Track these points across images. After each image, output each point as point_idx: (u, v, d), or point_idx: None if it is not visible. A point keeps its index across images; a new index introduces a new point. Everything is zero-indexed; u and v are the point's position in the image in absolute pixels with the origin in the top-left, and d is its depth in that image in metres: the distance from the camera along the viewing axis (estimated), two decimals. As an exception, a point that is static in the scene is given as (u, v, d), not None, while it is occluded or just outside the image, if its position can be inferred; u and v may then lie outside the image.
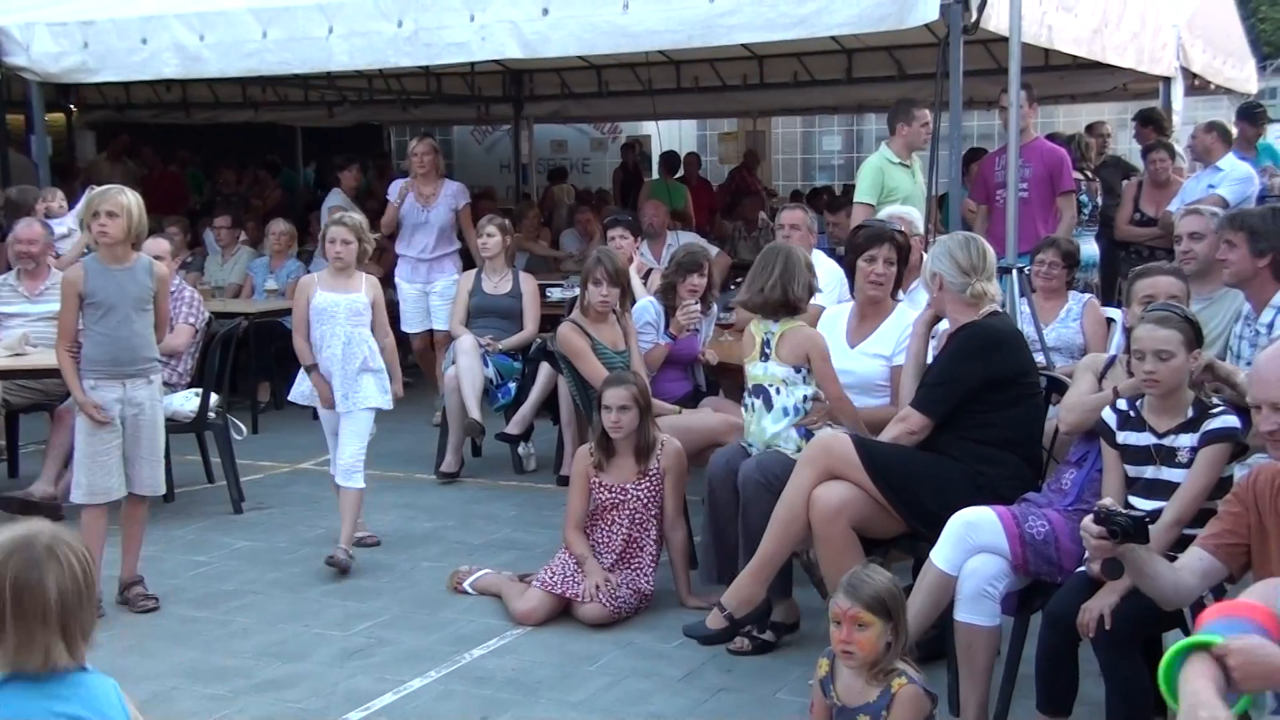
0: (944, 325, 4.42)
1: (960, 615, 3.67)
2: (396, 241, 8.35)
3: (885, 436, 4.22)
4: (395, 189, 8.39)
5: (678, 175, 13.05)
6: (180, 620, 4.86)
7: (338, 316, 5.45)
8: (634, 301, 6.16)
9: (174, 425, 5.96)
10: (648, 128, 16.73)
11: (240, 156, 14.47)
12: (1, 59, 8.34)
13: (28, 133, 10.81)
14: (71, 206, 7.97)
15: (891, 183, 6.91)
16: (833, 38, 8.50)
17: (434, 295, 8.28)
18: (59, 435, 6.31)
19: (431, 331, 8.35)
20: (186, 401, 6.42)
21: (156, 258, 5.30)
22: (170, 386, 6.18)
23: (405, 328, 8.18)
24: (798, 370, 4.54)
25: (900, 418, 4.21)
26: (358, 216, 5.68)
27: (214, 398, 6.41)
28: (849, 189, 13.63)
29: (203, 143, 14.90)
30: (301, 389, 5.70)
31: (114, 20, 8.25)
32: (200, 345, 6.67)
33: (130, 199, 4.85)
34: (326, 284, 5.52)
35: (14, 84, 8.95)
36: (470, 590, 5.10)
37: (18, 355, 6.20)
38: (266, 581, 5.24)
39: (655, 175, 16.41)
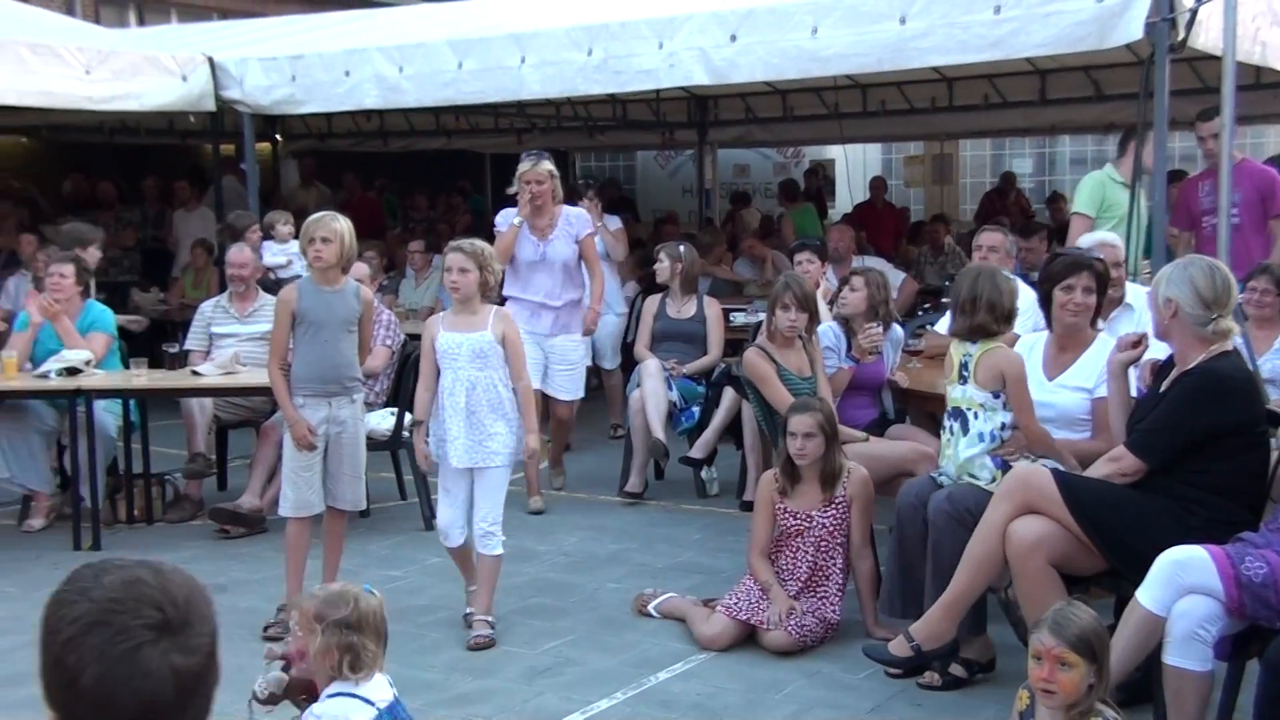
0: (1149, 354, 4.25)
1: (1170, 659, 3.51)
2: (507, 282, 6.74)
3: (1094, 474, 4.06)
4: (504, 219, 6.88)
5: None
6: (376, 632, 5.02)
7: (460, 359, 4.85)
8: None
9: (370, 443, 6.16)
10: (831, 151, 16.61)
11: (432, 182, 14.96)
12: (218, 92, 8.81)
13: (238, 161, 11.41)
14: (266, 235, 8.38)
15: (1112, 198, 6.68)
16: (1027, 58, 8.29)
17: (552, 355, 6.87)
18: (264, 450, 6.61)
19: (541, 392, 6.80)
20: (383, 420, 6.65)
21: (356, 280, 5.51)
22: (368, 405, 6.41)
23: None
24: (996, 395, 4.42)
25: (1112, 457, 4.04)
26: (480, 243, 5.04)
27: (407, 417, 6.61)
28: (1052, 211, 13.31)
29: (398, 169, 15.45)
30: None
31: (320, 54, 8.65)
32: (396, 366, 6.91)
33: (343, 225, 5.05)
34: (449, 323, 4.96)
35: (227, 115, 9.43)
36: (655, 613, 5.12)
37: (229, 374, 6.52)
38: (455, 598, 5.37)
39: (836, 200, 16.35)
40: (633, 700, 4.32)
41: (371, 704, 2.92)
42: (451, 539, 4.97)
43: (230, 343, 6.97)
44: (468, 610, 5.02)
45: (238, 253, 7.33)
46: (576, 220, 6.85)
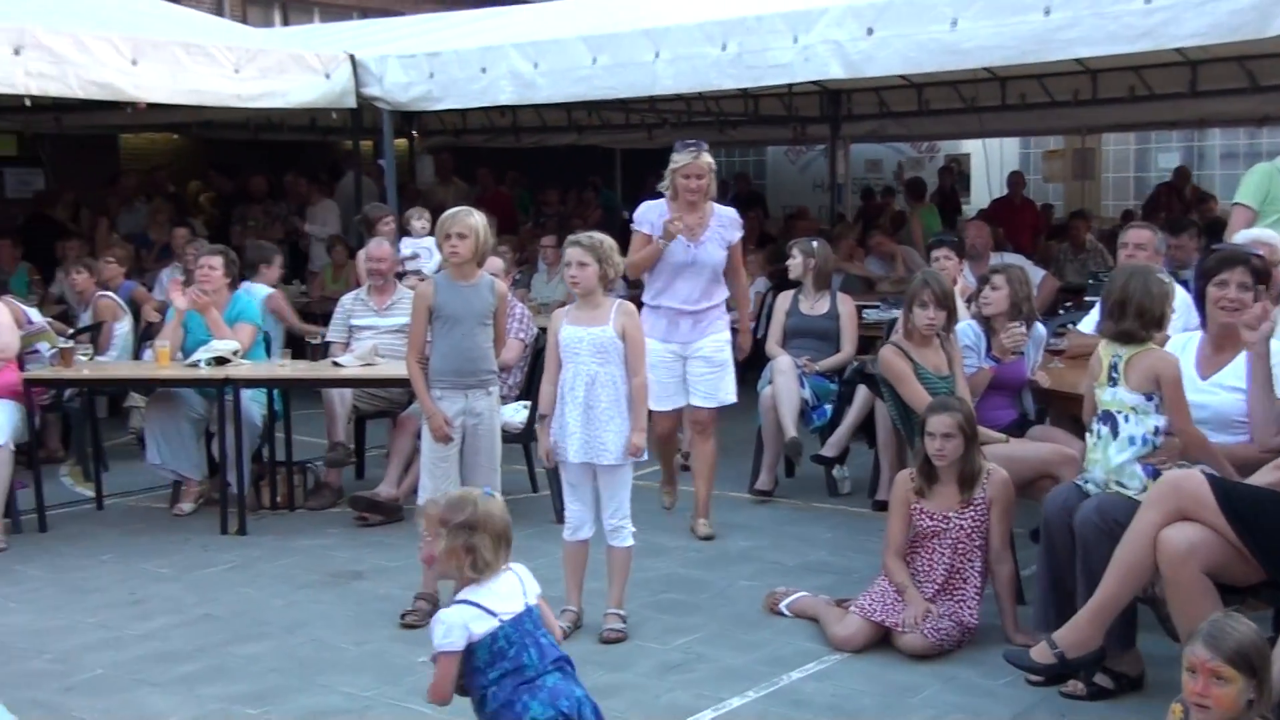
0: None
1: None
2: (646, 289, 6.26)
3: (1258, 482, 3.89)
4: (648, 215, 6.17)
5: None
6: (510, 623, 5.08)
7: (581, 353, 4.79)
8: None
9: (502, 435, 6.24)
10: (967, 146, 16.31)
11: (563, 178, 15.10)
12: (359, 89, 9.01)
13: (376, 158, 11.66)
14: (403, 231, 8.55)
15: (1278, 190, 6.36)
16: (1176, 49, 8.02)
17: (697, 360, 6.17)
18: (401, 441, 6.74)
19: (679, 411, 6.32)
20: (516, 413, 6.72)
21: (490, 274, 5.57)
22: (501, 399, 6.48)
23: (652, 404, 5.64)
24: (1149, 398, 4.26)
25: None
26: (599, 236, 4.91)
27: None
28: (1201, 211, 12.84)
29: (529, 165, 15.63)
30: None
31: (457, 51, 8.80)
32: (529, 360, 6.98)
33: (478, 221, 5.12)
34: (572, 316, 4.89)
35: (366, 112, 9.64)
36: (786, 612, 5.08)
37: (368, 365, 6.66)
38: (586, 590, 5.38)
39: (972, 195, 16.06)
40: (765, 699, 4.29)
41: (494, 615, 3.06)
42: (581, 533, 4.99)
43: (369, 335, 7.12)
44: (567, 608, 4.97)
45: (377, 247, 7.48)
46: (729, 222, 6.20)
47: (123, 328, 8.29)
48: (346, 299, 7.49)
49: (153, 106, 8.52)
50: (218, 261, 6.98)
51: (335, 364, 6.79)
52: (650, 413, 5.48)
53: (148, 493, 7.31)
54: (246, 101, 8.54)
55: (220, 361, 6.62)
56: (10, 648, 4.88)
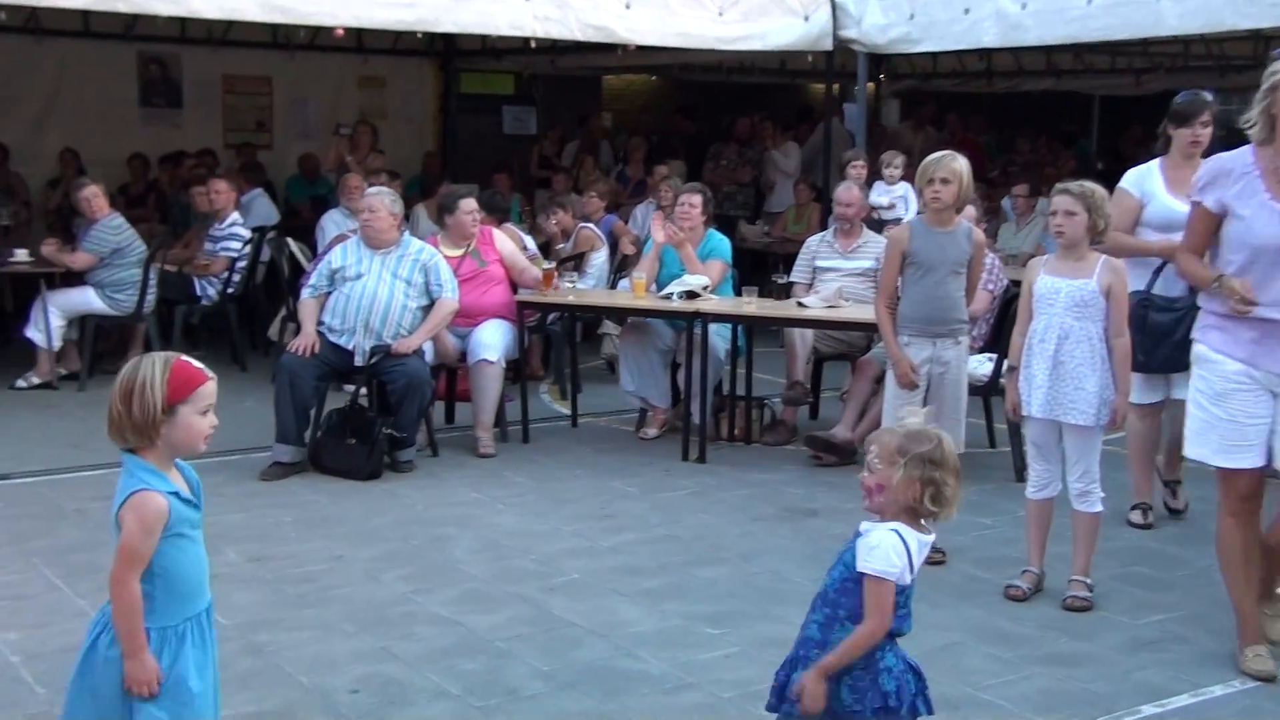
0: None
1: None
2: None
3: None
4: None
5: None
6: (965, 578, 4.97)
7: (1056, 305, 4.55)
8: None
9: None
10: None
11: (1034, 124, 14.42)
12: (836, 32, 9.01)
13: (840, 101, 11.65)
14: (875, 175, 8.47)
15: None
16: None
17: None
18: (859, 384, 6.75)
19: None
20: (980, 365, 6.53)
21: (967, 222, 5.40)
22: (966, 349, 6.32)
23: (1219, 458, 4.10)
24: None
25: None
26: (1090, 185, 4.58)
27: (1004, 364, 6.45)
28: None
29: (997, 110, 15.06)
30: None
31: (941, -9, 8.58)
32: (997, 311, 6.74)
33: (962, 166, 4.99)
34: (1051, 266, 4.65)
35: (837, 55, 9.63)
36: None
37: (832, 307, 6.70)
38: (1048, 554, 5.14)
39: None
40: (1252, 692, 3.94)
41: (908, 551, 2.80)
42: (1046, 491, 4.77)
43: (833, 277, 7.15)
44: (1028, 568, 4.79)
45: (845, 191, 7.48)
46: None
47: (599, 258, 8.80)
48: (813, 241, 7.56)
49: (640, 49, 8.94)
50: (697, 200, 7.23)
51: (800, 304, 6.88)
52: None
53: (616, 415, 7.76)
54: (727, 44, 8.78)
55: (691, 296, 6.88)
56: (501, 545, 5.35)
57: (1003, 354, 6.30)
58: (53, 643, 4.18)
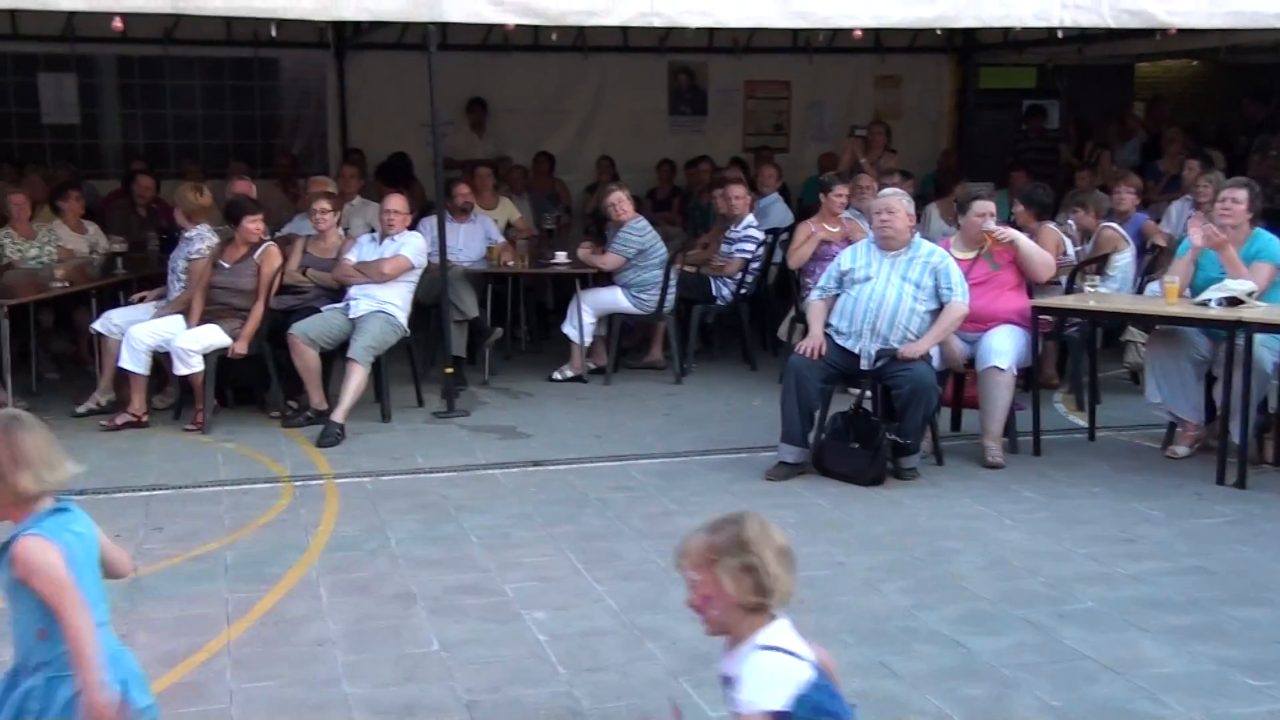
0: None
1: None
2: None
3: None
4: None
5: None
6: None
7: None
8: None
9: None
10: None
11: None
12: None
13: None
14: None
15: None
16: None
17: None
18: None
19: None
20: None
21: None
22: None
23: None
24: None
25: None
26: None
27: None
28: None
29: None
30: None
31: None
32: None
33: None
34: None
35: None
36: None
37: None
38: None
39: None
40: None
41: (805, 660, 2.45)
42: None
43: None
44: None
45: None
46: None
47: (1123, 259, 8.18)
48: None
49: (1182, 32, 8.19)
50: (1242, 195, 6.52)
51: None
52: None
53: (1140, 429, 7.18)
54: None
55: (1233, 302, 6.21)
56: (1007, 564, 5.09)
57: None
58: (574, 625, 4.46)
